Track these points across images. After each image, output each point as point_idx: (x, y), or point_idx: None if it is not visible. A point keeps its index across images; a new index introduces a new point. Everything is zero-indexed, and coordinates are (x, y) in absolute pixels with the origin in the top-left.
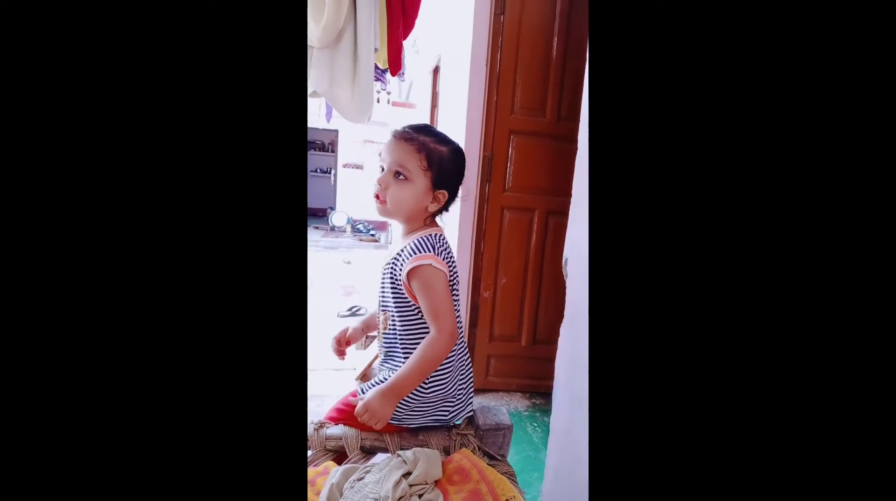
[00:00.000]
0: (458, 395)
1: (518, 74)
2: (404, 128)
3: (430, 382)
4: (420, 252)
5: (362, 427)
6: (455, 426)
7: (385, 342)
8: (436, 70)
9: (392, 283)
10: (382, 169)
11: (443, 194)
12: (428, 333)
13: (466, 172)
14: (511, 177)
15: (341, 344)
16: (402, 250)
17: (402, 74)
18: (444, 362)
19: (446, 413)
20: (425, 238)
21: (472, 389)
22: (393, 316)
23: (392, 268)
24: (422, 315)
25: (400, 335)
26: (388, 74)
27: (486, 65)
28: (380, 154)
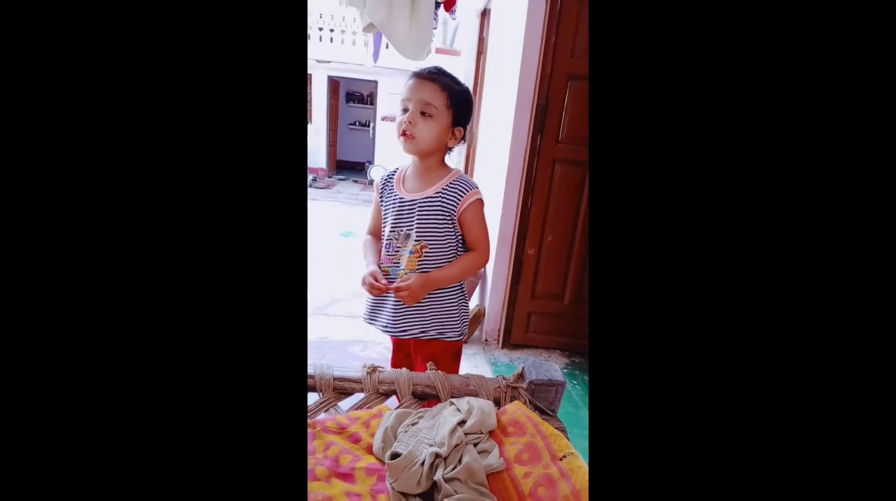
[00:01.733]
0: (463, 314)
1: (581, 10)
2: (425, 70)
3: (452, 295)
4: (471, 189)
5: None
6: (505, 378)
7: (420, 268)
8: (484, 13)
9: (440, 216)
10: (406, 110)
11: (459, 131)
12: (452, 258)
13: (518, 121)
14: (565, 127)
15: (378, 280)
16: (449, 187)
17: (454, 11)
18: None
19: (453, 329)
20: (462, 178)
21: (467, 317)
22: (429, 245)
23: (441, 202)
24: (455, 243)
25: (435, 260)
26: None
27: (546, 1)
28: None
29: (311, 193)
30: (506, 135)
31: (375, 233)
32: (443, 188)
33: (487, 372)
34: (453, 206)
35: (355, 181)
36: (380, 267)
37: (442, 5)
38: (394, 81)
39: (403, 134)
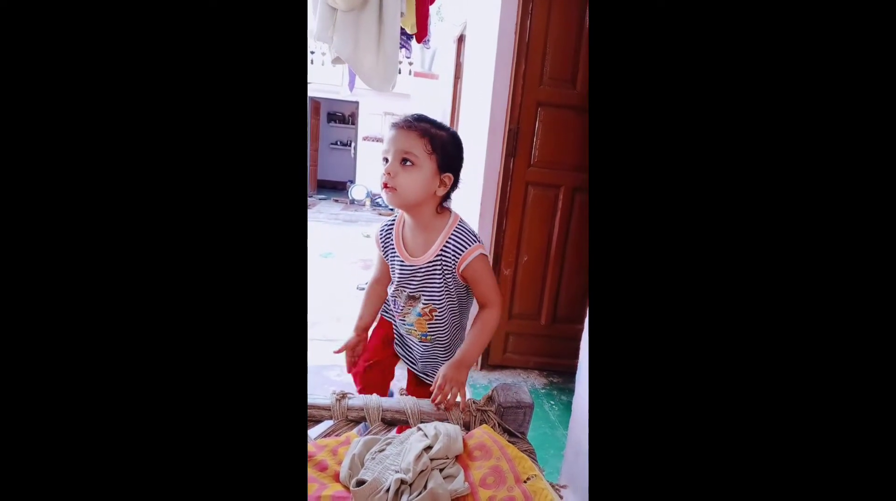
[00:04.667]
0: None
1: (549, 41)
2: (404, 118)
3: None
4: (469, 245)
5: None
6: (475, 402)
7: (431, 330)
8: (460, 39)
9: (442, 276)
10: (386, 160)
11: (448, 178)
12: (459, 315)
13: (491, 146)
14: (537, 152)
15: (355, 353)
16: (447, 246)
17: (428, 41)
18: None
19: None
20: (460, 230)
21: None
22: (438, 308)
23: (442, 264)
24: (465, 294)
25: (445, 316)
26: (413, 42)
27: (515, 32)
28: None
29: None
30: (480, 159)
31: (380, 281)
32: (441, 249)
33: (466, 394)
34: (453, 264)
35: (336, 201)
36: (383, 316)
37: (413, 37)
38: (375, 101)
39: (385, 186)
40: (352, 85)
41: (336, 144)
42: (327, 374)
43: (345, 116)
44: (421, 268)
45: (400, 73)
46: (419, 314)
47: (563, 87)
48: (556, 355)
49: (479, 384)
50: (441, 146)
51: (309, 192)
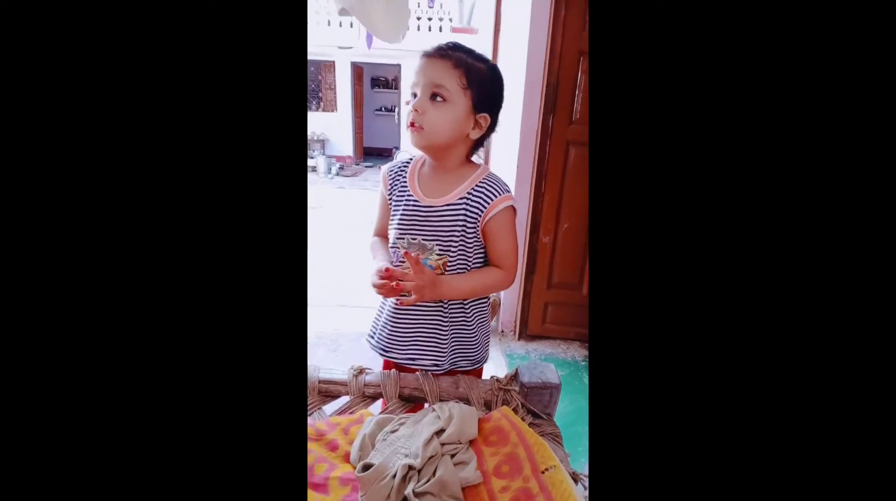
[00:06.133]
0: (484, 340)
1: None
2: (437, 46)
3: (470, 316)
4: (500, 193)
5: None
6: (498, 379)
7: None
8: None
9: (466, 225)
10: (415, 95)
11: (484, 119)
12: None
13: (528, 102)
14: (579, 107)
15: (392, 278)
16: (474, 191)
17: None
18: (480, 300)
19: (474, 355)
20: (491, 178)
21: (488, 341)
22: (452, 261)
23: (466, 210)
24: (479, 257)
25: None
26: None
27: None
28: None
29: (338, 181)
30: (515, 116)
31: (384, 234)
32: (468, 192)
33: (503, 364)
34: (478, 213)
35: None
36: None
37: None
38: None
39: (412, 125)
40: (369, 42)
41: (381, 110)
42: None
43: (388, 80)
44: (437, 210)
45: (430, 30)
46: (430, 267)
47: None
48: None
49: (516, 354)
50: (478, 81)
51: (355, 159)
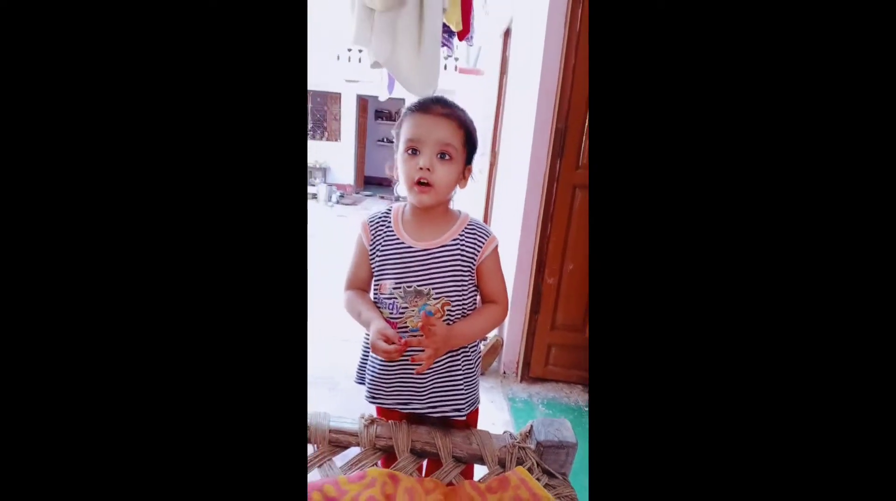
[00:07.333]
0: (470, 384)
1: None
2: (430, 101)
3: (458, 363)
4: (488, 235)
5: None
6: (512, 435)
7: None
8: (506, 33)
9: (460, 267)
10: (414, 151)
11: (469, 170)
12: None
13: (537, 145)
14: (585, 152)
15: (392, 341)
16: (465, 234)
17: (471, 37)
18: (468, 347)
19: (459, 402)
20: (475, 223)
21: (477, 383)
22: (452, 302)
23: (461, 251)
24: (472, 294)
25: (455, 319)
26: (455, 39)
27: (565, 24)
28: (397, 134)
29: (339, 209)
30: (524, 159)
31: (361, 286)
32: (459, 234)
33: (504, 408)
34: (473, 254)
35: (382, 198)
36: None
37: (456, 35)
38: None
39: (418, 183)
40: (390, 88)
41: (382, 141)
42: None
43: (391, 113)
44: (433, 252)
45: (445, 69)
46: (430, 313)
47: None
48: None
49: (518, 398)
50: (473, 138)
51: (356, 188)
